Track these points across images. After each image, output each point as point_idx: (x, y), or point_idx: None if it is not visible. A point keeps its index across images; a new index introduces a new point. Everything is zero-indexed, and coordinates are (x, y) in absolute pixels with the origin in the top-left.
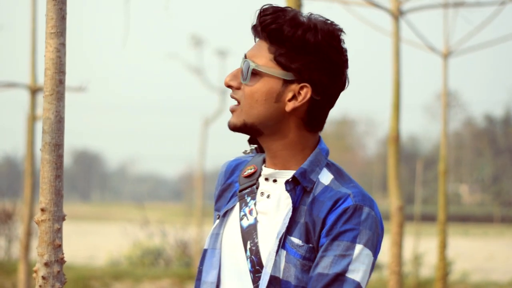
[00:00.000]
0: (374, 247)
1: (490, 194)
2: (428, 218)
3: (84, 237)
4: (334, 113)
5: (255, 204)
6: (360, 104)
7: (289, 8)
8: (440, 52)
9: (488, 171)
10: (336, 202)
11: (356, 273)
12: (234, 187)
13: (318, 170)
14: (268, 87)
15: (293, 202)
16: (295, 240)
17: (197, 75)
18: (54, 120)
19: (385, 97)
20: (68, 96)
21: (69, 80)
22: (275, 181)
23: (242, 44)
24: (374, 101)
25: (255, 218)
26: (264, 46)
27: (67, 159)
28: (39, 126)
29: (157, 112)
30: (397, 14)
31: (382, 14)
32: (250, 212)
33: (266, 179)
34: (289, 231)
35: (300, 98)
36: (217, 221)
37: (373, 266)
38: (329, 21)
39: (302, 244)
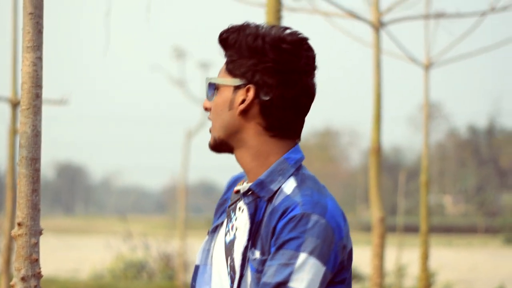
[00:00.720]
0: (325, 256)
1: (473, 204)
2: (411, 229)
3: (68, 250)
4: (317, 125)
5: (236, 219)
6: (343, 115)
7: (251, 24)
8: (422, 63)
9: (471, 182)
10: (285, 210)
11: (299, 283)
12: (227, 202)
13: (281, 179)
14: (223, 97)
15: (250, 215)
16: (257, 253)
17: (179, 87)
18: (31, 134)
19: (368, 108)
20: (51, 109)
21: (51, 93)
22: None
23: (221, 57)
24: (358, 112)
25: (234, 234)
26: (224, 63)
27: (51, 172)
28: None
29: (140, 124)
30: (378, 26)
31: (363, 26)
32: (232, 227)
33: (244, 193)
34: (254, 243)
35: (247, 99)
36: (207, 236)
37: (325, 277)
38: (289, 30)
39: (259, 257)
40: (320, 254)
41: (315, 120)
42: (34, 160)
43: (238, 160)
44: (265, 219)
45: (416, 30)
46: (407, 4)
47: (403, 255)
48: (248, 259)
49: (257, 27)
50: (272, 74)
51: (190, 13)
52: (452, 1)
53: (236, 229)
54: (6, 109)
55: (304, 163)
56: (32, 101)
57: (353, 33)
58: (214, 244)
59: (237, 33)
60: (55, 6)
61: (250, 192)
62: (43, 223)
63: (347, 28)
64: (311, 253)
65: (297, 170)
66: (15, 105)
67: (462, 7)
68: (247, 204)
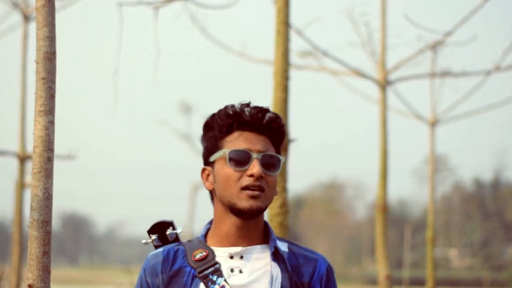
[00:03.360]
0: None
1: (479, 258)
2: (417, 282)
3: None
4: (323, 177)
5: (225, 280)
6: (349, 169)
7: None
8: (427, 120)
9: (477, 235)
10: (315, 267)
11: None
12: (185, 272)
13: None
14: (277, 177)
15: (281, 270)
16: None
17: (185, 141)
18: (42, 197)
19: (373, 161)
20: (57, 161)
21: (58, 147)
22: (241, 257)
23: None
24: (363, 165)
25: None
26: (266, 140)
27: (55, 223)
28: (27, 193)
29: (145, 176)
30: (384, 84)
31: (369, 84)
32: (223, 287)
33: (231, 257)
34: None
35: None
36: None
37: None
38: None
39: None
40: None
41: (320, 173)
42: (45, 222)
43: (249, 225)
44: (284, 274)
45: (422, 87)
46: (413, 63)
47: None
48: None
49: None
50: None
51: (197, 69)
52: (458, 60)
53: (232, 287)
54: (13, 162)
55: (309, 215)
56: (44, 164)
57: (359, 90)
58: None
59: (279, 120)
60: (63, 64)
61: (273, 252)
62: None
63: (354, 85)
64: None
65: None
66: (23, 159)
67: (468, 66)
68: (275, 261)
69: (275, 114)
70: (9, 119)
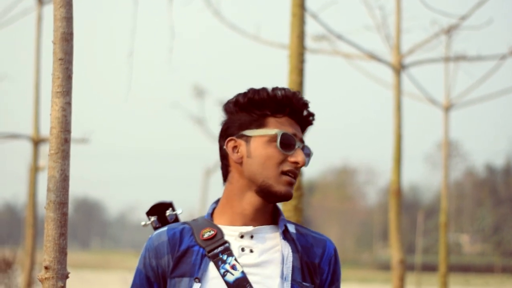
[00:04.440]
0: None
1: (491, 244)
2: (429, 268)
3: (84, 285)
4: (335, 162)
5: (235, 259)
6: (361, 154)
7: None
8: (441, 105)
9: (489, 221)
10: (324, 249)
11: None
12: (193, 251)
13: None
14: None
15: (292, 250)
16: (299, 281)
17: (199, 125)
18: (59, 179)
19: (386, 147)
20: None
21: (72, 131)
22: (252, 237)
23: None
24: (375, 150)
25: (242, 272)
26: (298, 128)
27: None
28: (41, 176)
29: (158, 160)
30: (399, 68)
31: (383, 68)
32: (233, 267)
33: (242, 236)
34: (292, 274)
35: None
36: (197, 284)
37: None
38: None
39: (308, 285)
40: None
41: (332, 158)
42: (62, 204)
43: (268, 206)
44: (297, 254)
45: (436, 71)
46: (428, 47)
47: None
48: (292, 285)
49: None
50: None
51: (211, 52)
52: (473, 44)
53: (243, 266)
54: (25, 146)
55: (321, 200)
56: (61, 145)
57: (373, 74)
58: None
59: (313, 115)
60: (78, 46)
61: (284, 231)
62: None
63: (367, 70)
64: None
65: None
66: (36, 143)
67: (483, 50)
68: (285, 239)
69: (305, 100)
70: (22, 104)
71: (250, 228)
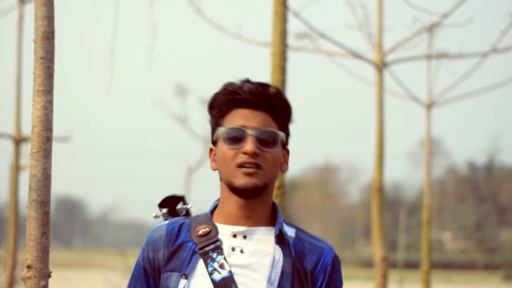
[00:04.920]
0: None
1: (473, 241)
2: (411, 265)
3: (66, 284)
4: (317, 160)
5: (224, 258)
6: (342, 152)
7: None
8: (423, 103)
9: (471, 218)
10: (320, 256)
11: None
12: (186, 247)
13: (283, 226)
14: (279, 153)
15: (284, 254)
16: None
17: (180, 123)
18: (40, 178)
19: (368, 144)
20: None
21: (54, 130)
22: (245, 237)
23: None
24: (357, 148)
25: (229, 271)
26: (266, 117)
27: None
28: (22, 176)
29: (140, 159)
30: (381, 66)
31: (366, 66)
32: (221, 266)
33: (234, 235)
34: (281, 279)
35: (287, 159)
36: (184, 280)
37: None
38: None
39: None
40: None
41: (315, 156)
42: (43, 203)
43: (253, 204)
44: (290, 259)
45: (418, 69)
46: (410, 45)
47: None
48: None
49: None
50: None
51: (193, 51)
52: (454, 42)
53: (231, 267)
54: (7, 145)
55: (303, 198)
56: (42, 144)
57: (355, 72)
58: (189, 286)
59: (280, 95)
60: (58, 44)
61: (279, 234)
62: None
63: (349, 68)
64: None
65: None
66: (18, 142)
67: (464, 47)
68: (278, 244)
69: (276, 88)
70: (3, 102)
71: (242, 228)
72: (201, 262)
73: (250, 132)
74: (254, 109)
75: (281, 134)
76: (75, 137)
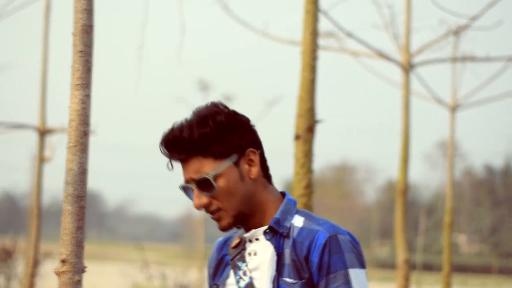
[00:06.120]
0: (362, 261)
1: (488, 244)
2: (427, 267)
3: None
4: (334, 159)
5: (246, 265)
6: (359, 151)
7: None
8: (447, 105)
9: (486, 222)
10: (312, 240)
11: None
12: (225, 259)
13: (289, 218)
14: (230, 177)
15: (275, 247)
16: (288, 279)
17: None
18: (77, 172)
19: (385, 144)
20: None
21: None
22: (257, 239)
23: (247, 90)
24: (374, 148)
25: (250, 277)
26: (197, 160)
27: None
28: (47, 167)
29: (158, 154)
30: (408, 67)
31: (389, 66)
32: (244, 273)
33: (250, 240)
34: (280, 273)
35: (256, 160)
36: None
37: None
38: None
39: (296, 281)
40: (359, 262)
41: (331, 155)
42: (79, 197)
43: (251, 215)
44: (286, 250)
45: (442, 71)
46: (437, 47)
47: None
48: (279, 285)
49: (198, 117)
50: (253, 133)
51: (220, 49)
52: (480, 45)
53: (251, 272)
54: (28, 135)
55: (319, 197)
56: (79, 138)
57: (379, 72)
58: None
59: (192, 128)
60: None
61: (268, 230)
62: (55, 248)
63: (373, 68)
64: (353, 265)
65: (297, 208)
66: (43, 133)
67: (491, 51)
68: (270, 240)
69: (174, 133)
70: (26, 94)
71: (250, 232)
72: (231, 272)
73: (192, 186)
74: (182, 161)
75: (211, 175)
76: (98, 131)
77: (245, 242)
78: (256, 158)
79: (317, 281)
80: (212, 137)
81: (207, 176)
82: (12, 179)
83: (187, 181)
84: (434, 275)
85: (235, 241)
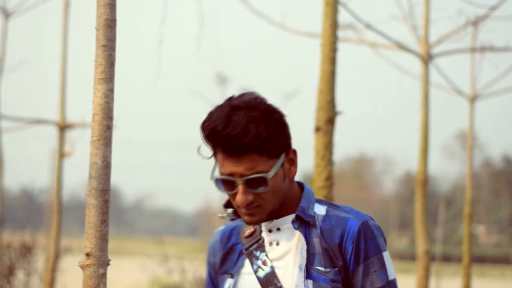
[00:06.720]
0: (386, 245)
1: (507, 235)
2: (446, 258)
3: None
4: (352, 151)
5: (266, 255)
6: (378, 143)
7: (235, 117)
8: (467, 96)
9: (505, 212)
10: (344, 228)
11: (393, 273)
12: (236, 249)
13: (312, 206)
14: (278, 176)
15: (304, 236)
16: (320, 268)
17: None
18: (101, 166)
19: (403, 136)
20: (89, 132)
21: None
22: (278, 229)
23: (265, 83)
24: (393, 139)
25: (271, 266)
26: (252, 157)
27: (83, 193)
28: (66, 162)
29: (176, 148)
30: (427, 59)
31: (408, 58)
32: (264, 263)
33: (270, 230)
34: (311, 262)
35: (295, 160)
36: (230, 279)
37: None
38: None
39: (329, 270)
40: (386, 244)
41: (349, 147)
42: (104, 191)
43: (275, 212)
44: (315, 239)
45: (460, 62)
46: (456, 37)
47: (441, 285)
48: (310, 272)
49: (261, 112)
50: (286, 131)
51: (238, 41)
52: (499, 35)
53: (272, 262)
54: (47, 131)
55: (337, 189)
56: (103, 132)
57: (398, 64)
58: (237, 286)
59: (259, 126)
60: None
61: (295, 219)
62: (74, 243)
63: (392, 60)
64: (384, 248)
65: (315, 197)
66: (63, 128)
67: (509, 41)
68: (298, 229)
69: (236, 128)
70: (46, 89)
71: (273, 222)
72: (247, 262)
73: (238, 181)
74: (238, 155)
75: (269, 175)
76: (118, 125)
77: (261, 231)
78: (296, 157)
79: (354, 267)
80: (275, 137)
81: (265, 176)
82: (30, 174)
83: (231, 175)
84: (453, 266)
85: (247, 231)
